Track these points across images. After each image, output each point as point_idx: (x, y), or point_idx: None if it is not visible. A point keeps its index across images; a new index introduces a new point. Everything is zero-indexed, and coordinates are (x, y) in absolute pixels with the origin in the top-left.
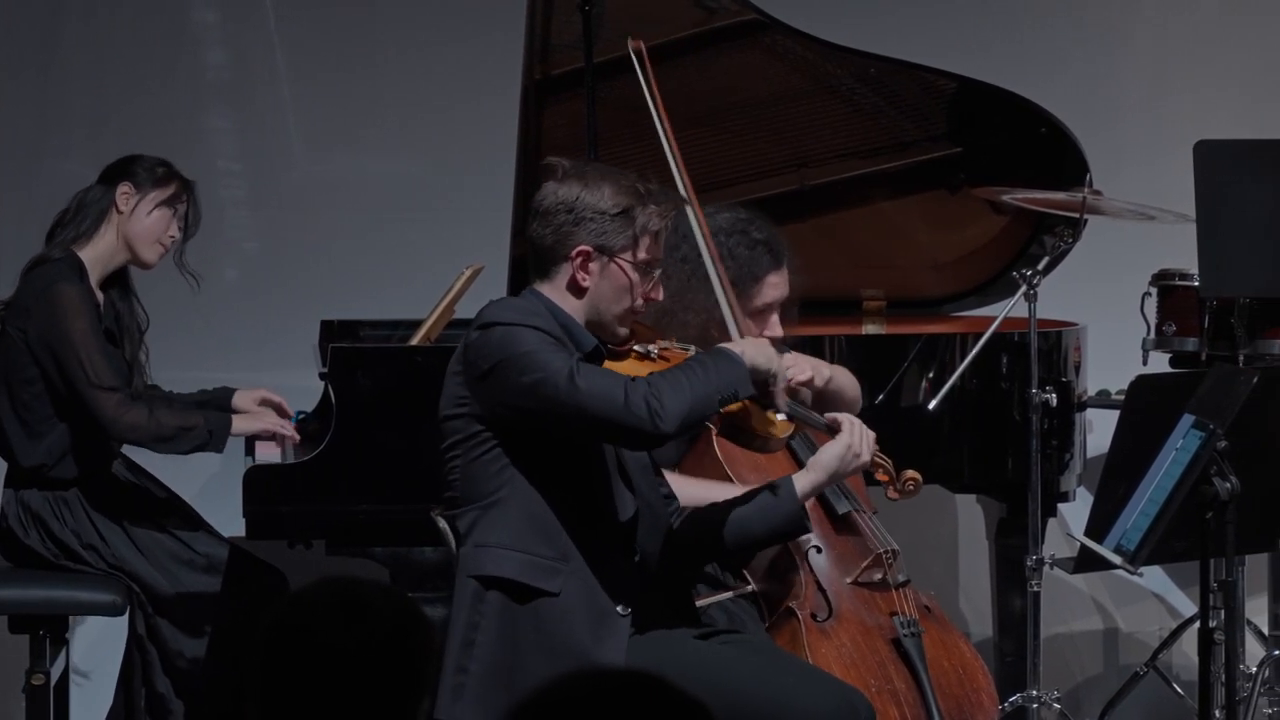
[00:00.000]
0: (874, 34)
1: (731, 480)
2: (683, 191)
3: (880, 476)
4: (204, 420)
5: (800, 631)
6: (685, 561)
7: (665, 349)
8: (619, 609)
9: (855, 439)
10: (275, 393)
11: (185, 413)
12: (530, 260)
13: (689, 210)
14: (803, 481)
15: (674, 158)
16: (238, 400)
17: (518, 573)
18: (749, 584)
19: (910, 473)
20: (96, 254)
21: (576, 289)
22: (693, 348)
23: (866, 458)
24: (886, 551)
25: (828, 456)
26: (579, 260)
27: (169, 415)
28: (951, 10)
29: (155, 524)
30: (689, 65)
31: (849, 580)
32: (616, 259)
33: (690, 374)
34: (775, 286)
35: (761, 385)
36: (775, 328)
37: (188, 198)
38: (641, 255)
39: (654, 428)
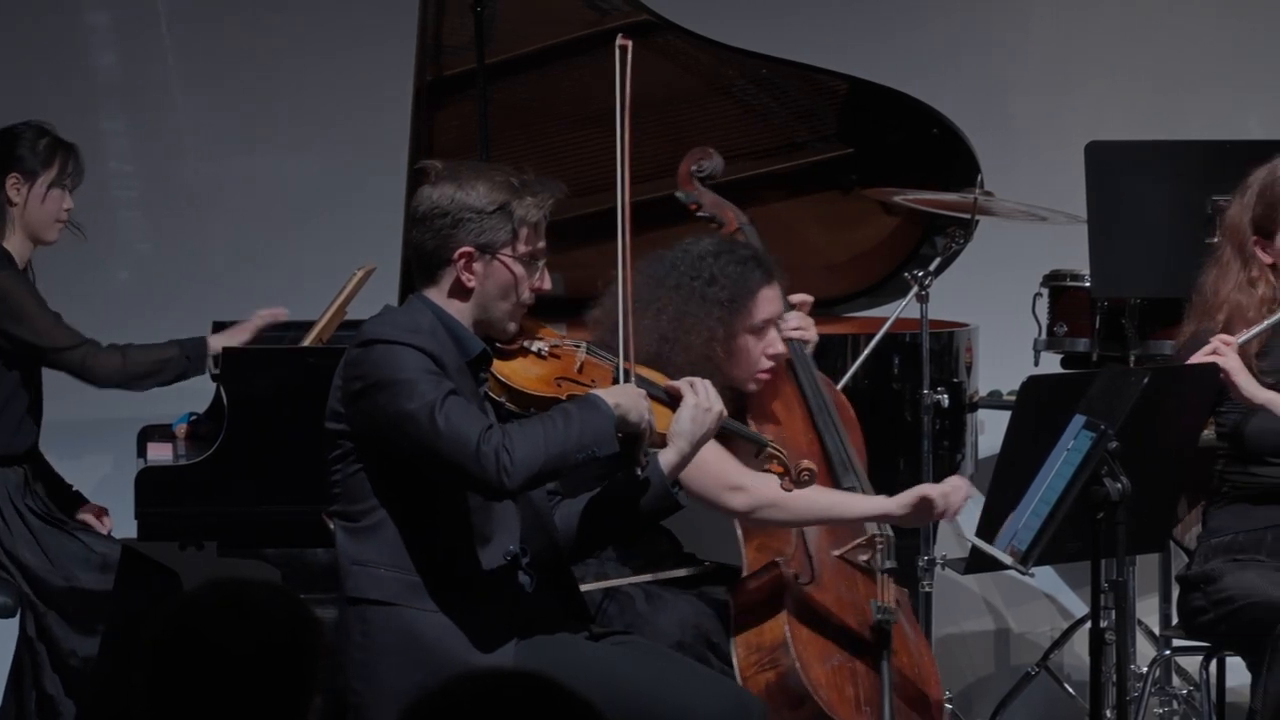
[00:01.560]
0: (767, 33)
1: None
2: (621, 197)
3: (775, 469)
4: (179, 349)
5: (783, 589)
6: (571, 554)
7: (555, 346)
8: (501, 621)
9: (700, 396)
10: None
11: (158, 348)
12: (414, 266)
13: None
14: (668, 457)
15: (623, 159)
16: (212, 342)
17: (394, 594)
18: (645, 573)
19: (805, 462)
20: (13, 249)
21: (462, 291)
22: (583, 345)
23: (719, 407)
24: (880, 535)
25: (682, 424)
26: (462, 262)
27: (141, 353)
28: (844, 9)
29: (55, 518)
30: (581, 67)
31: (836, 553)
32: (499, 256)
33: (550, 427)
34: (770, 301)
35: (629, 439)
36: (776, 344)
37: (74, 165)
38: (523, 248)
39: (498, 483)
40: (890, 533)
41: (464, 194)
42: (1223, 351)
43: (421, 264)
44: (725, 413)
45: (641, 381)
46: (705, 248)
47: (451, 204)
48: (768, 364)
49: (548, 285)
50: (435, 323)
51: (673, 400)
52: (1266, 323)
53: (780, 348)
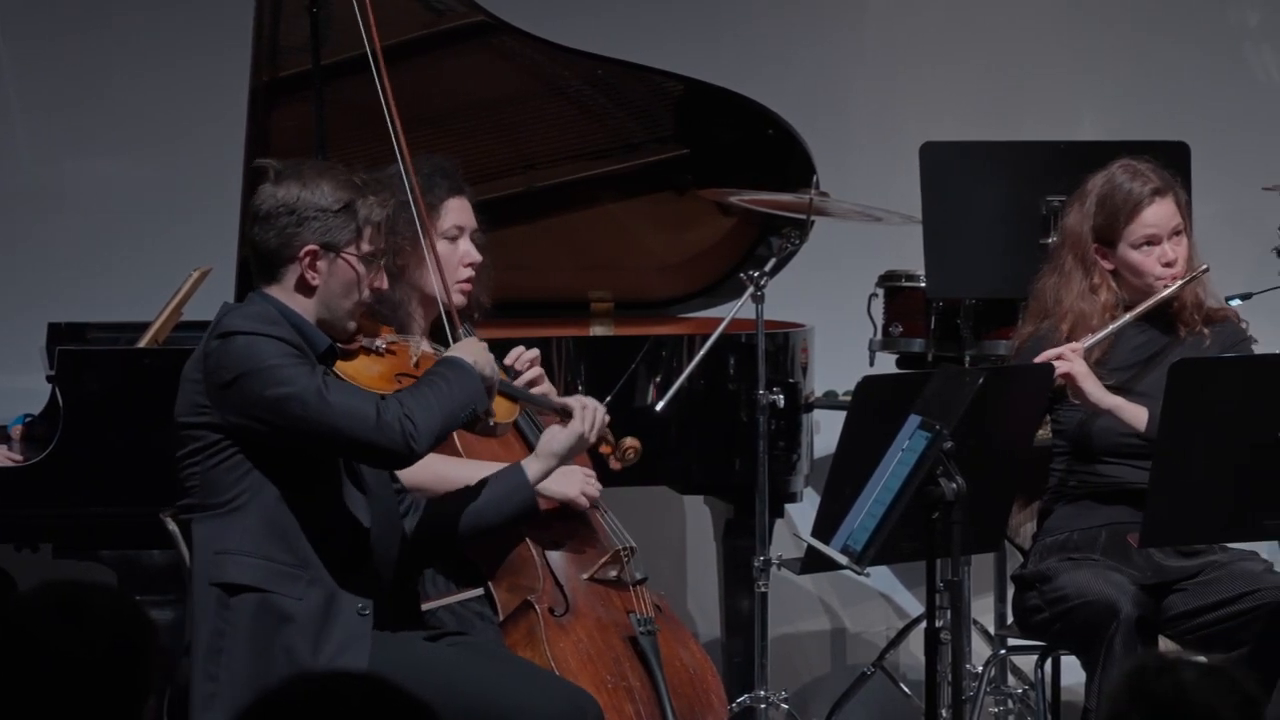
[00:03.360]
0: (601, 33)
1: (462, 455)
2: (406, 180)
3: (602, 449)
4: None
5: (538, 626)
6: (423, 556)
7: (392, 343)
8: (360, 608)
9: (586, 426)
10: None
11: None
12: (253, 264)
13: (412, 206)
14: (533, 468)
15: (399, 144)
16: None
17: (260, 579)
18: (478, 587)
19: (629, 441)
20: None
21: (306, 289)
22: (415, 338)
23: (593, 440)
24: (624, 549)
25: (557, 444)
26: (307, 260)
27: None
28: (677, 8)
29: None
30: (417, 67)
31: (585, 576)
32: (343, 254)
33: (436, 391)
34: (457, 211)
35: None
36: (472, 254)
37: None
38: (366, 247)
39: (407, 449)
40: (632, 543)
41: (309, 192)
42: (1069, 357)
43: (262, 262)
44: (591, 439)
45: (533, 398)
46: (393, 169)
47: (298, 202)
48: (467, 273)
49: (384, 285)
50: (281, 319)
51: (564, 414)
52: (1111, 328)
53: (476, 256)
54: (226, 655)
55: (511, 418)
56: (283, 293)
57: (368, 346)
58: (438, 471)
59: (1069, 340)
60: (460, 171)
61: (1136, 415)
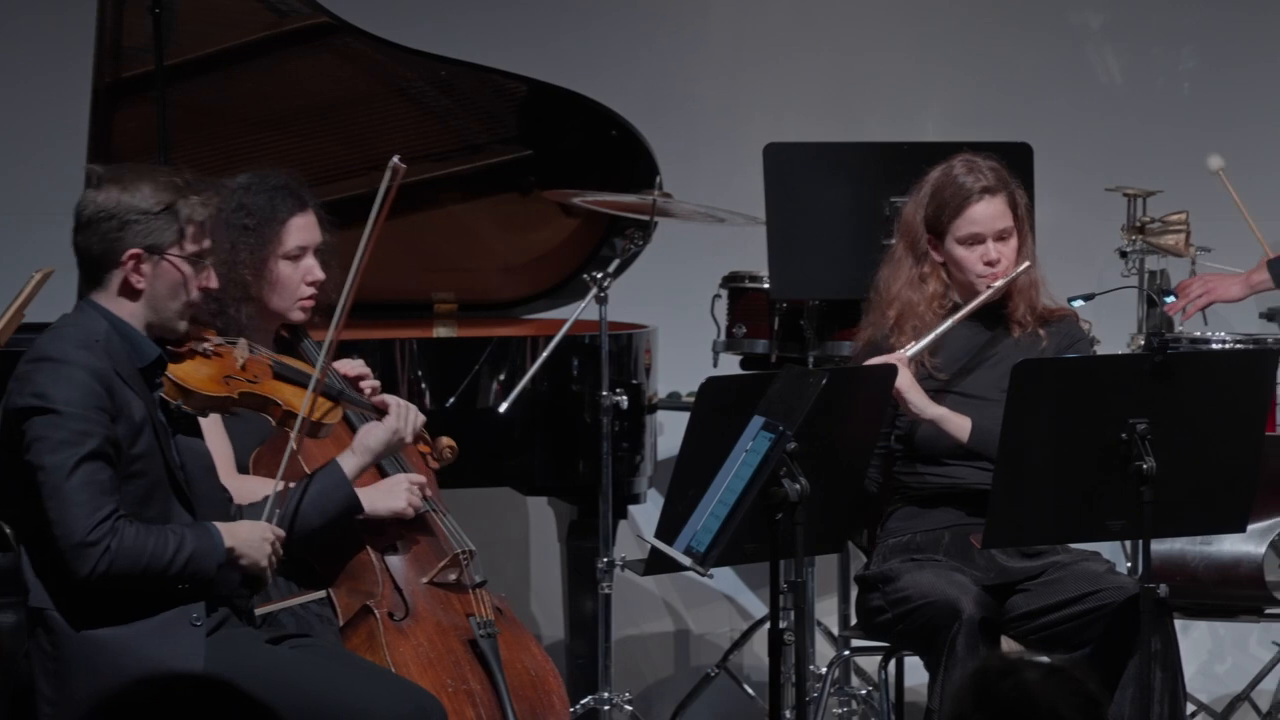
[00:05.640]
0: (443, 33)
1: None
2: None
3: (420, 448)
4: None
5: (378, 630)
6: None
7: (219, 345)
8: (193, 617)
9: (402, 422)
10: None
11: None
12: (80, 272)
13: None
14: (349, 464)
15: (361, 262)
16: None
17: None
18: (318, 590)
19: (445, 440)
20: None
21: (132, 293)
22: (241, 340)
23: (410, 439)
24: (463, 552)
25: (373, 439)
26: (131, 264)
27: None
28: (520, 8)
29: None
30: (260, 68)
31: (425, 580)
32: (167, 256)
33: (160, 547)
34: (303, 229)
35: (249, 578)
36: (315, 271)
37: None
38: (190, 247)
39: (87, 574)
40: (472, 546)
41: (129, 196)
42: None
43: (89, 268)
44: (409, 439)
45: (349, 396)
46: (239, 181)
47: (118, 206)
48: (309, 291)
49: (213, 284)
50: (110, 330)
51: (379, 413)
52: (933, 335)
53: (319, 275)
54: (58, 678)
55: (334, 419)
56: (109, 299)
57: (196, 349)
58: (251, 491)
59: (896, 328)
60: (305, 186)
61: (960, 426)
